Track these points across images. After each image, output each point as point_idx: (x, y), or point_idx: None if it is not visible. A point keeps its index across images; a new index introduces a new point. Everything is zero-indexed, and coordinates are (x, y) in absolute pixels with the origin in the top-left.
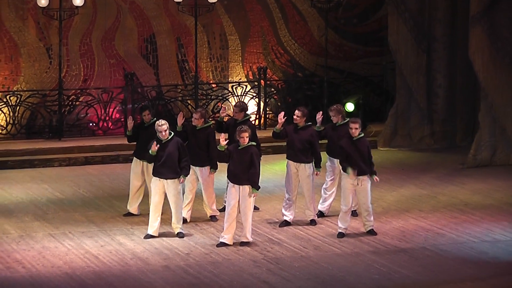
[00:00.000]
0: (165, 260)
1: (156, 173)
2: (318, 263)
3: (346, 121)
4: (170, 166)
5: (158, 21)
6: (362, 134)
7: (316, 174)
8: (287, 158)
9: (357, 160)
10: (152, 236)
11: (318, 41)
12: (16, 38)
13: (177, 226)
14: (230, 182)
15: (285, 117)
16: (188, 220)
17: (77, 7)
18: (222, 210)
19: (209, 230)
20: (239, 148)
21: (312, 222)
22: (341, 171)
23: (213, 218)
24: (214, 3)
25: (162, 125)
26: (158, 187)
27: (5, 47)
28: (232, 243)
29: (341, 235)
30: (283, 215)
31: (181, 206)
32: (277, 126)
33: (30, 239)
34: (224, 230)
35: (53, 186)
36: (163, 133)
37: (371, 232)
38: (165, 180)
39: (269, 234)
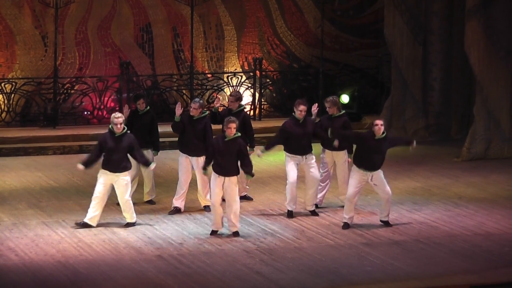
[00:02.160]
0: (158, 249)
1: (106, 166)
2: (312, 254)
3: (342, 112)
4: (121, 160)
5: (154, 10)
6: (385, 133)
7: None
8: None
9: (372, 157)
10: (87, 225)
11: (314, 32)
12: (12, 26)
13: (128, 216)
14: (215, 173)
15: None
16: (182, 210)
17: None
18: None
19: (203, 220)
20: (226, 139)
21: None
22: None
23: (206, 208)
24: None
25: (119, 117)
26: (106, 179)
27: (0, 34)
28: (222, 227)
29: (346, 226)
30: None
31: (129, 198)
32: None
33: (24, 227)
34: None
35: (47, 174)
36: (118, 126)
37: (386, 224)
38: (114, 173)
39: (263, 225)
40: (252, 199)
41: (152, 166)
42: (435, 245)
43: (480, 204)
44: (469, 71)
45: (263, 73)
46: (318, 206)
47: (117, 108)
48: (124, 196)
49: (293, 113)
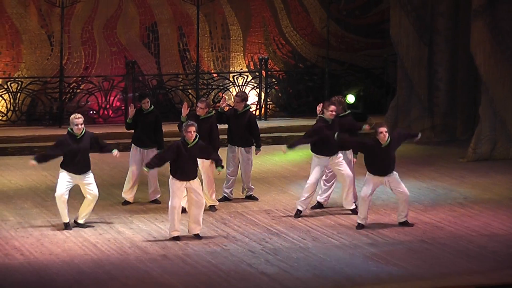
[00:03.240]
0: (164, 249)
1: (70, 169)
2: (317, 254)
3: (347, 112)
4: (85, 161)
5: (160, 9)
6: (390, 139)
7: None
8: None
9: (383, 163)
10: (67, 225)
11: (319, 32)
12: (18, 25)
13: (81, 218)
14: (175, 179)
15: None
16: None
17: None
18: (222, 200)
19: (208, 220)
20: (188, 146)
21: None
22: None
23: (212, 208)
24: None
25: (78, 118)
26: (70, 181)
27: (6, 33)
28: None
29: (360, 226)
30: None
31: (93, 202)
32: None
33: (29, 226)
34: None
35: (53, 173)
36: (79, 127)
37: (405, 224)
38: (79, 175)
39: (268, 225)
40: (257, 199)
41: (115, 152)
42: (440, 245)
43: (486, 204)
44: (475, 71)
45: (269, 73)
46: (323, 206)
47: (123, 108)
48: (95, 192)
49: (322, 114)
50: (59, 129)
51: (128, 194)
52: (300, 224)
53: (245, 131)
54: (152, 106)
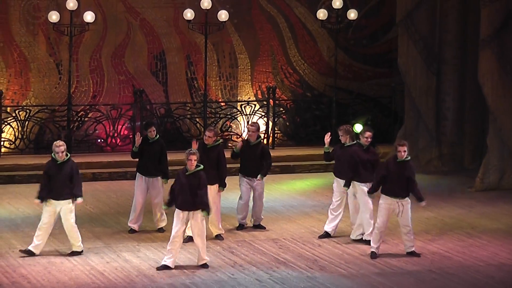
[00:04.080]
0: (171, 277)
1: (49, 194)
2: (324, 284)
3: (354, 142)
4: (64, 187)
5: (168, 38)
6: (409, 158)
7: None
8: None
9: (394, 183)
10: (31, 252)
11: (327, 61)
12: (26, 53)
13: (75, 245)
14: (177, 209)
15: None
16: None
17: (87, 23)
18: (239, 228)
19: (215, 248)
20: (187, 173)
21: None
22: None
23: (218, 237)
24: (225, 21)
25: (60, 146)
26: (51, 208)
27: (15, 61)
28: (173, 266)
29: (373, 255)
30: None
31: (75, 227)
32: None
33: (36, 254)
34: (168, 252)
35: None
36: (60, 154)
37: (413, 254)
38: (57, 201)
39: (275, 254)
40: (265, 228)
41: (79, 200)
42: (448, 275)
43: (494, 234)
44: (482, 101)
45: (277, 101)
46: (331, 235)
47: (131, 136)
48: (70, 223)
49: (358, 140)
50: None
51: (134, 222)
52: (308, 253)
53: (259, 162)
54: (158, 135)
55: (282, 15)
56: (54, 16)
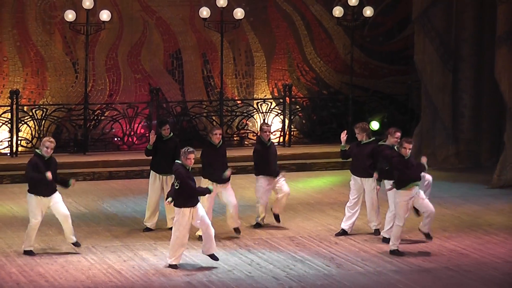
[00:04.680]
0: (188, 276)
1: (39, 192)
2: (341, 281)
3: (371, 140)
4: (53, 182)
5: (184, 36)
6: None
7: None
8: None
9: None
10: (31, 252)
11: (343, 59)
12: (43, 52)
13: (71, 238)
14: (179, 207)
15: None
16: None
17: (103, 22)
18: (256, 226)
19: (232, 246)
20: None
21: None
22: (394, 188)
23: (237, 230)
24: (240, 19)
25: (52, 142)
26: (41, 205)
27: (31, 61)
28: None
29: (397, 252)
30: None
31: (68, 213)
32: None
33: (53, 252)
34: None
35: (77, 200)
36: (49, 150)
37: (428, 236)
38: (48, 197)
39: (292, 252)
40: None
41: (72, 182)
42: (465, 272)
43: (511, 231)
44: (499, 97)
45: (293, 99)
46: (348, 233)
47: (147, 135)
48: (65, 212)
49: (385, 140)
50: (84, 156)
51: (149, 221)
52: (325, 251)
53: (275, 161)
54: (171, 133)
55: (298, 13)
56: (70, 15)
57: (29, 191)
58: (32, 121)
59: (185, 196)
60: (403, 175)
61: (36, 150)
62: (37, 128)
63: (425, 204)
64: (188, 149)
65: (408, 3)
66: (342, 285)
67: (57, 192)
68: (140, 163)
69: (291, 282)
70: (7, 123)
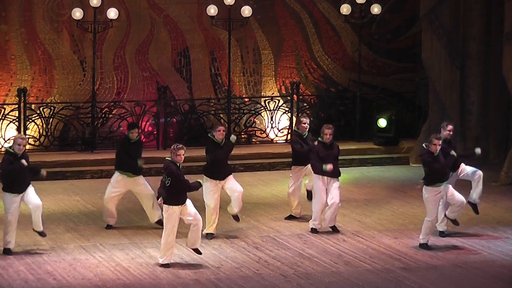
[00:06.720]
0: (196, 273)
1: (15, 189)
2: (349, 279)
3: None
4: (27, 177)
5: (192, 34)
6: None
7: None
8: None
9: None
10: (9, 251)
11: (351, 56)
12: (51, 50)
13: (39, 226)
14: (170, 205)
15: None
16: (215, 234)
17: (111, 20)
18: (288, 218)
19: (239, 244)
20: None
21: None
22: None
23: (235, 217)
24: (248, 17)
25: (23, 139)
26: (17, 202)
27: (39, 59)
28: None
29: (425, 246)
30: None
31: (41, 207)
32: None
33: (61, 250)
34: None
35: (85, 198)
36: (21, 147)
37: (455, 223)
38: (21, 194)
39: (300, 249)
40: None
41: (43, 172)
42: (473, 270)
43: None
44: (507, 95)
45: (300, 97)
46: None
47: (155, 133)
48: (38, 202)
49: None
50: (92, 154)
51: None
52: (332, 249)
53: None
54: (138, 136)
55: (305, 11)
56: (77, 13)
57: (3, 189)
58: (39, 119)
59: (176, 193)
60: (432, 172)
61: (8, 148)
62: (44, 126)
63: (456, 198)
64: (177, 145)
65: (416, 0)
66: (350, 282)
67: (30, 185)
68: (148, 161)
69: (299, 280)
70: (14, 121)
